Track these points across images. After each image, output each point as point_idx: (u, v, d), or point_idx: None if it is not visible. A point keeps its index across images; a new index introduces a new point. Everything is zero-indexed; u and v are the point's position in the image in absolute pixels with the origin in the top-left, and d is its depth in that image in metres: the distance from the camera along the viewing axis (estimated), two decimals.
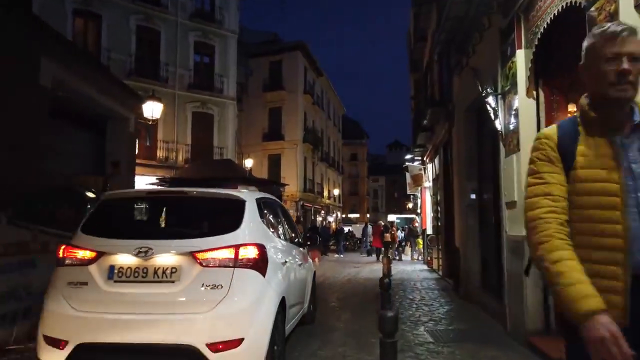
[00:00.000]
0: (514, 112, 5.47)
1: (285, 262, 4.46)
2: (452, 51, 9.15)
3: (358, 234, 38.93)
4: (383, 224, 23.64)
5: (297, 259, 5.19)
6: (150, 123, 13.57)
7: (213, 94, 24.88)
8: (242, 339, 3.33)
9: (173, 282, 3.40)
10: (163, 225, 4.31)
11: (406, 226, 34.22)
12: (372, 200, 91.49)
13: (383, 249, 20.40)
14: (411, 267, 17.05)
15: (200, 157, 23.20)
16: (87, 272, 3.50)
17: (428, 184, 16.28)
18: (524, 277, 5.10)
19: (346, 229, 43.80)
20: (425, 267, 16.38)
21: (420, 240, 20.29)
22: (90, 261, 3.54)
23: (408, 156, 17.59)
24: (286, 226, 5.55)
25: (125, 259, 3.48)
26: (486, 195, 7.98)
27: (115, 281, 3.45)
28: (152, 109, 12.98)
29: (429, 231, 17.79)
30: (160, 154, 22.85)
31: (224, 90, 25.42)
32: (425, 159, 15.85)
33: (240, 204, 3.91)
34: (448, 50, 9.15)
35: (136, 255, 3.45)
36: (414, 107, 19.28)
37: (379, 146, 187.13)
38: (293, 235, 5.81)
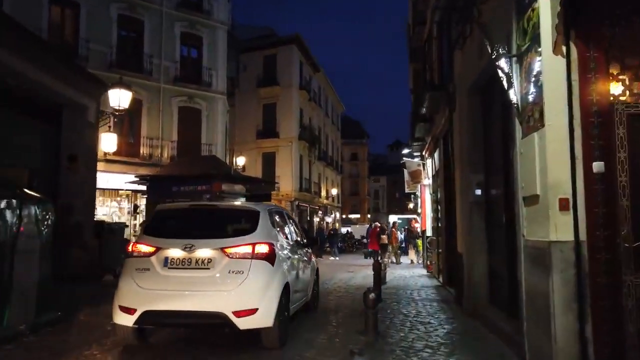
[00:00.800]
0: (534, 78, 4.11)
1: (290, 257, 5.89)
2: (452, 23, 7.79)
3: (358, 235, 37.68)
4: (379, 225, 22.38)
5: (300, 256, 6.55)
6: (117, 114, 12.19)
7: (201, 87, 23.55)
8: (257, 309, 4.78)
9: (209, 268, 4.88)
10: (201, 228, 5.45)
11: (406, 227, 32.79)
12: (373, 200, 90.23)
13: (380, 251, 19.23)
14: (409, 271, 15.68)
15: (187, 155, 21.86)
16: (149, 262, 4.99)
17: (427, 181, 14.91)
18: (551, 296, 3.74)
19: (344, 229, 42.64)
20: (424, 272, 15.01)
21: (420, 242, 18.94)
22: (151, 254, 5.02)
23: (405, 150, 16.20)
24: (292, 230, 6.86)
25: (175, 252, 4.98)
26: (495, 190, 6.62)
27: (169, 268, 4.94)
28: (119, 98, 11.60)
29: (429, 233, 16.43)
30: (143, 150, 21.52)
31: (212, 84, 24.08)
32: (424, 153, 14.49)
33: (256, 214, 5.45)
34: (449, 20, 7.80)
35: (183, 249, 4.96)
36: (413, 100, 17.91)
37: (380, 146, 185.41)
38: (298, 237, 7.03)
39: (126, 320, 4.92)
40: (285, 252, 5.77)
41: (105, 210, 21.55)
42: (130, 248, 5.41)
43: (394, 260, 20.10)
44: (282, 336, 5.18)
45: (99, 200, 21.14)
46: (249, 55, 33.15)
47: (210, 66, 24.01)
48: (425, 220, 16.92)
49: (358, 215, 77.30)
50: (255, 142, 32.65)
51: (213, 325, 5.09)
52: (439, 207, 11.91)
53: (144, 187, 18.16)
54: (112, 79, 21.16)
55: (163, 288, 4.88)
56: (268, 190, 18.53)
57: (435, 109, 10.59)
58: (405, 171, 16.90)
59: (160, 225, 5.57)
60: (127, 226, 14.00)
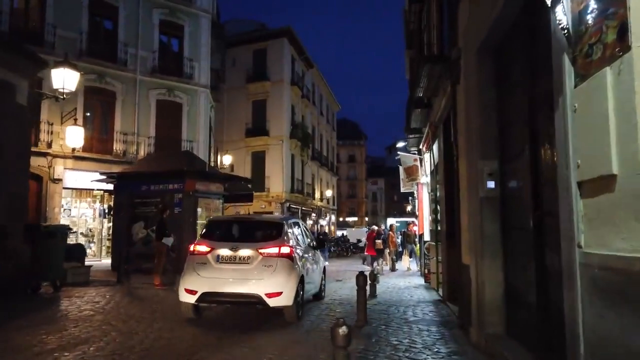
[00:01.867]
0: None
1: (303, 256, 7.96)
2: None
3: (354, 238, 35.90)
4: (377, 228, 20.71)
5: (310, 256, 8.63)
6: (63, 98, 10.44)
7: (181, 80, 21.84)
8: (282, 292, 6.72)
9: (248, 263, 6.89)
10: (242, 235, 7.64)
11: (402, 230, 30.93)
12: (371, 203, 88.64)
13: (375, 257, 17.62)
14: (405, 281, 13.91)
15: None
16: (206, 258, 7.03)
17: (425, 178, 13.18)
18: None
19: (339, 232, 40.89)
20: (421, 281, 13.25)
21: (418, 248, 17.21)
22: (207, 252, 7.06)
23: (400, 144, 14.50)
24: (305, 236, 9.01)
25: (224, 252, 7.00)
26: (515, 180, 4.89)
27: (220, 262, 6.97)
28: (64, 79, 9.85)
29: (427, 237, 14.68)
30: (117, 147, 19.78)
31: (194, 76, 22.37)
32: (421, 147, 12.76)
33: (280, 224, 7.67)
34: None
35: (230, 249, 7.00)
36: (409, 88, 16.18)
37: (378, 148, 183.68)
38: (309, 241, 9.22)
39: (190, 299, 6.91)
40: (301, 253, 7.81)
41: (74, 212, 19.80)
42: (191, 248, 7.33)
43: (389, 267, 18.34)
44: (298, 313, 7.20)
45: (66, 201, 19.44)
46: (238, 49, 31.54)
47: (192, 57, 22.31)
48: (423, 223, 15.17)
49: (355, 218, 75.64)
50: (244, 140, 30.93)
51: (251, 303, 6.98)
52: (438, 208, 10.17)
53: (113, 186, 16.42)
54: (82, 69, 19.55)
55: (216, 276, 6.84)
56: (249, 190, 16.81)
57: (434, 90, 8.86)
58: (401, 168, 15.15)
59: (213, 232, 7.69)
60: (70, 230, 12.22)
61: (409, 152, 14.23)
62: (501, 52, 5.24)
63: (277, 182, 29.98)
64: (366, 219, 77.40)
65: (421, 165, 13.16)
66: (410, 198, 48.80)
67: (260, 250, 6.91)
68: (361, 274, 7.17)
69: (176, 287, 10.10)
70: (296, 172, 32.65)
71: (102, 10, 20.06)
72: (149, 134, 20.76)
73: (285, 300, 6.77)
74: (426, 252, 12.13)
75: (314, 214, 37.47)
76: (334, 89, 50.51)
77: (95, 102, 19.78)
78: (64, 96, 10.23)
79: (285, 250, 7.02)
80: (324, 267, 10.10)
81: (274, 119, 30.66)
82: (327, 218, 43.30)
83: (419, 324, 6.97)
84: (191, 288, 6.88)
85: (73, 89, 10.09)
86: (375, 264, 16.77)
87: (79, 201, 19.89)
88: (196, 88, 22.41)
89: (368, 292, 9.85)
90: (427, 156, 12.41)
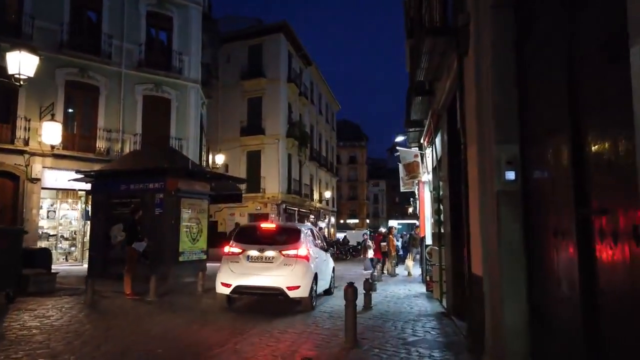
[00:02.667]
0: None
1: (317, 257, 9.36)
2: None
3: (354, 241, 34.73)
4: (384, 230, 19.82)
5: (323, 257, 10.20)
6: (19, 85, 9.32)
7: (170, 74, 20.74)
8: (300, 286, 8.18)
9: (272, 262, 8.34)
10: (268, 239, 8.96)
11: (405, 233, 29.78)
12: (372, 205, 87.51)
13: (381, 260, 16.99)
14: (405, 288, 12.76)
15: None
16: (239, 257, 8.54)
17: (427, 176, 12.02)
18: None
19: (340, 235, 39.65)
20: (423, 289, 12.09)
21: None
22: (240, 253, 8.57)
23: (400, 138, 13.35)
24: (318, 240, 10.68)
25: (253, 253, 8.46)
26: (544, 169, 3.75)
27: (250, 261, 8.44)
28: (20, 63, 8.74)
29: (428, 240, 13.52)
30: (100, 145, 18.67)
31: (184, 70, 21.27)
32: (422, 141, 11.61)
33: (298, 230, 9.25)
34: None
35: (258, 251, 8.44)
36: (409, 78, 15.01)
37: (379, 150, 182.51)
38: (322, 244, 11.05)
39: (225, 291, 8.52)
40: (314, 254, 9.24)
41: (56, 214, 18.69)
42: (225, 249, 8.92)
43: (389, 272, 17.18)
44: (313, 303, 8.72)
45: (48, 202, 18.33)
46: (232, 45, 30.47)
47: (181, 51, 21.21)
48: (424, 225, 14.00)
49: (356, 220, 74.46)
50: (239, 139, 29.82)
51: (275, 295, 8.43)
52: (442, 207, 9.03)
53: (90, 186, 15.31)
54: (63, 62, 18.57)
55: (247, 273, 8.38)
56: (238, 190, 15.67)
57: (436, 71, 7.72)
58: (400, 166, 13.99)
59: (244, 236, 9.14)
60: (26, 232, 11.08)
61: (409, 147, 13.08)
62: (523, 5, 4.10)
63: (273, 183, 28.86)
64: (367, 221, 76.19)
65: (422, 161, 12.00)
66: (411, 199, 47.64)
67: (282, 252, 8.49)
68: (350, 286, 6.01)
69: (149, 298, 9.03)
70: (293, 172, 31.52)
71: (85, 0, 19.00)
72: (135, 131, 19.65)
73: (302, 292, 8.34)
74: (428, 257, 10.97)
75: (312, 216, 36.30)
76: (335, 90, 49.44)
77: (77, 97, 18.70)
78: (21, 83, 9.10)
79: (302, 252, 8.61)
80: (333, 267, 11.70)
81: (270, 117, 29.55)
82: (327, 220, 42.13)
83: (420, 345, 5.81)
84: (226, 282, 8.48)
85: (31, 74, 8.96)
86: (378, 267, 15.71)
87: (60, 202, 18.80)
88: (186, 83, 21.31)
89: (362, 304, 8.74)
90: (428, 151, 11.25)
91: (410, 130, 11.96)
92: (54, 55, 17.69)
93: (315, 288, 8.84)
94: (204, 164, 23.18)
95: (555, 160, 3.44)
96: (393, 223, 72.10)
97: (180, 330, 6.72)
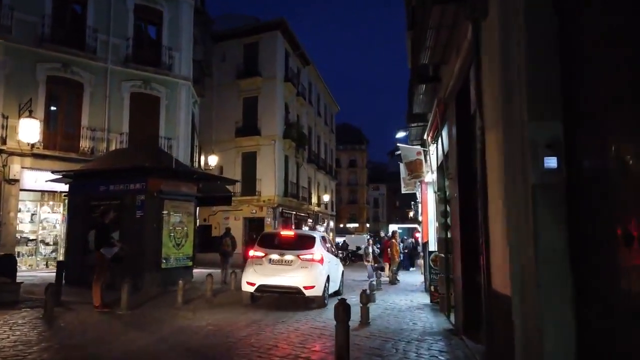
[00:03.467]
0: None
1: (329, 261, 10.58)
2: None
3: (354, 246, 33.65)
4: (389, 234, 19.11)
5: (334, 262, 11.49)
6: None
7: (159, 71, 19.74)
8: (314, 286, 9.44)
9: (291, 265, 9.55)
10: (287, 244, 10.24)
11: (406, 238, 28.65)
12: (373, 209, 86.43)
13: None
14: (407, 299, 11.70)
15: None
16: (262, 260, 9.74)
17: (430, 176, 10.99)
18: None
19: (339, 239, 38.49)
20: (427, 299, 11.03)
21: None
22: (263, 257, 9.76)
23: (401, 134, 12.27)
24: (330, 246, 12.12)
25: (275, 256, 9.68)
26: (597, 155, 2.68)
27: (271, 264, 9.65)
28: None
29: (432, 246, 12.47)
30: (84, 144, 17.64)
31: (174, 67, 20.28)
32: (426, 137, 10.57)
33: (313, 237, 10.54)
34: None
35: (278, 255, 9.70)
36: (411, 72, 13.99)
37: (380, 154, 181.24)
38: (334, 250, 12.98)
39: (250, 289, 9.75)
40: (327, 258, 10.49)
41: (34, 218, 17.66)
42: (250, 252, 10.36)
43: (390, 279, 16.14)
44: (325, 301, 9.95)
45: (24, 205, 17.29)
46: (228, 43, 29.54)
47: (171, 46, 20.23)
48: (427, 230, 12.96)
49: (356, 225, 73.35)
50: (234, 140, 28.80)
51: (293, 293, 9.65)
52: (448, 210, 7.99)
53: (68, 187, 14.30)
54: (44, 57, 17.57)
55: (269, 274, 9.61)
56: (228, 192, 14.63)
57: (444, 52, 6.70)
58: (402, 165, 12.96)
59: (266, 241, 10.55)
60: None
61: (411, 145, 12.05)
62: None
63: (269, 185, 27.81)
64: (367, 225, 75.09)
65: (426, 160, 10.97)
66: (412, 203, 46.51)
67: (300, 256, 9.75)
68: (341, 304, 4.96)
69: (120, 311, 7.99)
70: (290, 174, 30.48)
71: None
72: (122, 129, 18.62)
73: (316, 291, 9.60)
74: (432, 265, 9.91)
75: (310, 220, 35.22)
76: (335, 93, 48.36)
77: (60, 93, 17.70)
78: None
79: (317, 256, 9.88)
80: (342, 271, 12.80)
81: (266, 118, 28.54)
82: (325, 224, 41.03)
83: None
84: (251, 281, 9.64)
85: None
86: (378, 273, 14.71)
87: (41, 205, 17.79)
88: (176, 80, 20.31)
89: (359, 319, 7.70)
90: (432, 148, 10.22)
91: (413, 125, 10.94)
92: (34, 49, 16.74)
93: (327, 288, 10.24)
94: (196, 165, 22.18)
95: (625, 141, 2.40)
96: (393, 227, 71.02)
97: (141, 356, 5.67)
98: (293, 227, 29.30)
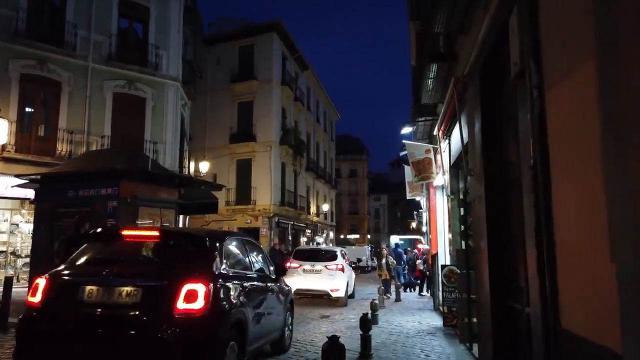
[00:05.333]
0: None
1: (348, 270, 13.79)
2: None
3: (354, 257, 32.13)
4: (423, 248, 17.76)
5: (350, 270, 14.40)
6: None
7: (145, 70, 18.44)
8: (338, 289, 12.47)
9: (320, 273, 12.69)
10: (316, 257, 13.42)
11: (409, 249, 26.92)
12: (374, 220, 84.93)
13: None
14: (414, 319, 10.20)
15: None
16: (297, 270, 12.67)
17: (441, 178, 9.55)
18: None
19: (337, 250, 36.79)
20: (438, 321, 9.54)
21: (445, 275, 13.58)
22: (298, 267, 12.83)
23: (407, 130, 10.85)
24: (347, 258, 15.14)
25: (307, 267, 12.87)
26: None
27: (304, 272, 12.76)
28: None
29: (442, 259, 11.01)
30: (61, 147, 16.26)
31: (162, 66, 18.98)
32: (436, 133, 9.14)
33: (336, 251, 14.14)
34: None
35: (310, 266, 12.87)
36: (415, 69, 12.60)
37: (381, 165, 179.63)
38: (350, 261, 17.20)
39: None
40: (346, 268, 13.47)
41: (4, 227, 16.21)
42: (287, 264, 10.90)
43: (389, 295, 14.63)
44: (346, 301, 12.70)
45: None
46: (222, 46, 28.40)
47: (159, 44, 18.94)
48: (436, 240, 11.49)
49: (357, 236, 71.81)
50: (228, 146, 27.45)
51: (321, 296, 12.52)
52: (467, 215, 6.54)
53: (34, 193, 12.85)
54: (18, 53, 16.27)
55: (302, 280, 12.27)
56: (214, 198, 13.20)
57: (466, 15, 5.30)
58: (407, 170, 11.51)
59: (299, 255, 13.57)
60: None
61: (418, 139, 10.63)
62: None
63: (264, 194, 26.38)
64: (368, 236, 73.52)
65: (435, 160, 9.55)
66: (415, 213, 44.83)
67: (327, 266, 12.76)
68: (333, 341, 3.50)
69: None
70: (287, 183, 29.07)
71: None
72: (103, 132, 17.26)
73: (340, 293, 12.47)
74: (445, 282, 8.44)
75: (308, 231, 33.72)
76: (336, 105, 47.16)
77: (35, 93, 16.38)
78: None
79: (339, 267, 12.86)
80: (354, 278, 15.28)
81: (261, 123, 27.21)
82: (325, 235, 39.50)
83: None
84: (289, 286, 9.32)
85: None
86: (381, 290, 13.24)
87: (13, 213, 16.34)
88: (164, 81, 19.00)
89: (358, 346, 6.22)
90: (444, 145, 8.80)
91: (420, 120, 9.54)
92: (7, 45, 15.45)
93: (347, 290, 13.02)
94: (185, 171, 20.78)
95: None
96: (395, 239, 69.42)
97: None
98: (290, 239, 27.83)
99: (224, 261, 4.76)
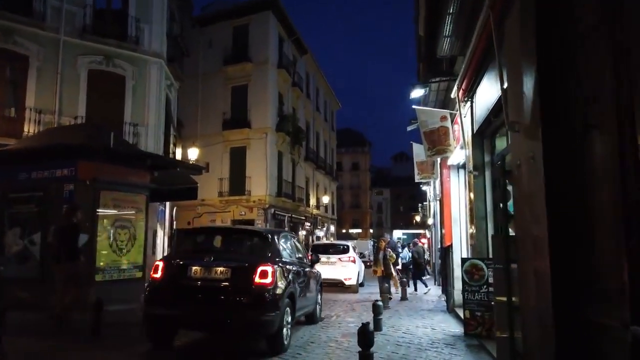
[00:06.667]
0: None
1: (359, 262, 16.30)
2: None
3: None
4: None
5: (360, 263, 16.92)
6: None
7: (124, 45, 16.70)
8: (351, 277, 14.76)
9: (335, 264, 14.71)
10: (331, 250, 15.64)
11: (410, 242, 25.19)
12: (376, 214, 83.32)
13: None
14: (424, 323, 8.52)
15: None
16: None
17: (459, 154, 7.82)
18: None
19: (349, 244, 34.82)
20: (453, 324, 7.86)
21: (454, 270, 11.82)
22: (319, 258, 10.12)
23: (417, 92, 8.88)
24: (357, 251, 18.43)
25: (323, 259, 13.15)
26: None
27: (321, 264, 10.80)
28: None
29: (459, 252, 9.34)
30: (29, 128, 14.56)
31: (143, 41, 17.24)
32: (455, 94, 7.36)
33: (348, 246, 16.33)
34: None
35: (326, 258, 14.23)
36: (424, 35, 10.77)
37: (384, 159, 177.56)
38: (359, 254, 20.39)
39: None
40: (357, 260, 15.65)
41: None
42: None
43: (393, 291, 12.93)
44: (358, 288, 14.96)
45: None
46: (215, 27, 26.67)
47: (140, 17, 17.17)
48: (450, 230, 9.77)
49: (359, 230, 70.20)
50: (221, 133, 25.74)
51: (336, 283, 14.18)
52: (506, 189, 4.81)
53: None
54: None
55: (320, 270, 9.34)
56: (193, 183, 11.50)
57: None
58: (415, 147, 9.75)
59: (318, 248, 15.64)
60: None
61: (430, 103, 8.87)
62: None
63: (260, 184, 24.69)
64: (370, 230, 71.84)
65: (452, 127, 7.81)
66: (420, 205, 43.05)
67: (340, 259, 14.90)
68: None
69: None
70: (285, 173, 27.36)
71: None
72: (77, 113, 15.56)
73: (352, 282, 14.68)
74: (467, 279, 6.73)
75: (307, 224, 32.03)
76: (338, 97, 45.31)
77: None
78: None
79: (351, 258, 15.07)
80: (364, 269, 17.30)
81: (256, 109, 25.47)
82: (325, 228, 37.80)
83: None
84: None
85: None
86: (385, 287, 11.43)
87: None
88: (145, 57, 17.26)
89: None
90: (466, 110, 7.07)
91: (434, 80, 7.77)
92: None
93: (358, 279, 15.12)
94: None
95: None
96: (397, 233, 67.76)
97: None
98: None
99: (281, 251, 6.63)
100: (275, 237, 6.70)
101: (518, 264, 4.30)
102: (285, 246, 7.07)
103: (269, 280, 5.59)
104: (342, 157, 68.39)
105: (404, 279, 13.64)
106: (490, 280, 6.52)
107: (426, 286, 15.12)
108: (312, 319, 8.12)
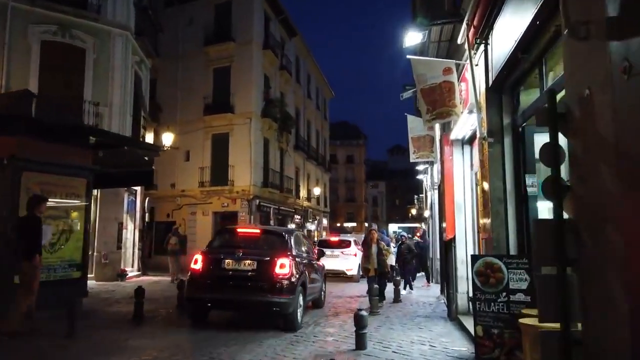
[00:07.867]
0: None
1: (359, 255, 15.18)
2: None
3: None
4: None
5: (360, 255, 14.22)
6: None
7: (84, 13, 14.80)
8: (352, 269, 16.78)
9: (338, 257, 16.73)
10: (335, 245, 17.52)
11: (405, 235, 23.32)
12: (371, 207, 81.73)
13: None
14: (421, 336, 6.81)
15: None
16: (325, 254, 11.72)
17: (469, 121, 6.06)
18: None
19: (351, 239, 32.96)
20: (461, 345, 6.12)
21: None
22: (324, 252, 10.94)
23: (412, 39, 6.84)
24: (359, 244, 15.83)
25: (329, 252, 15.13)
26: None
27: (328, 257, 13.30)
28: None
29: (464, 247, 7.62)
30: None
31: (105, 11, 15.34)
32: (462, 39, 5.54)
33: (350, 240, 18.36)
34: None
35: (330, 252, 15.52)
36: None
37: (380, 152, 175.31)
38: (360, 247, 14.84)
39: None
40: (358, 253, 15.71)
41: None
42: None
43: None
44: (359, 278, 15.78)
45: None
46: (195, 4, 24.65)
47: None
48: (453, 220, 8.00)
49: (354, 224, 68.57)
50: (202, 119, 23.80)
51: (340, 274, 16.40)
52: (558, 146, 2.99)
53: None
54: None
55: (331, 262, 14.87)
56: (147, 166, 9.69)
57: None
58: (410, 119, 7.96)
59: (323, 243, 18.10)
60: None
61: (430, 53, 7.07)
62: None
63: (244, 173, 22.83)
64: (365, 224, 70.26)
65: (459, 84, 6.03)
66: (415, 197, 41.38)
67: (343, 252, 16.83)
68: None
69: None
70: (272, 162, 25.50)
71: None
72: (27, 88, 13.64)
73: (353, 272, 16.48)
74: (479, 284, 4.97)
75: (297, 216, 30.22)
76: (333, 91, 43.39)
77: None
78: None
79: (352, 252, 16.84)
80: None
81: (240, 92, 23.54)
82: (317, 222, 36.02)
83: None
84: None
85: None
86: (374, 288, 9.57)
87: None
88: (108, 29, 15.37)
89: None
90: (478, 56, 5.29)
91: (438, 22, 5.96)
92: None
93: (359, 270, 15.67)
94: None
95: None
96: (393, 227, 65.77)
97: None
98: (274, 223, 24.34)
99: (295, 247, 8.14)
100: (291, 236, 8.25)
101: (581, 267, 2.55)
102: (298, 243, 8.53)
103: (286, 270, 7.15)
104: (336, 149, 66.73)
105: (397, 278, 11.89)
106: (512, 285, 4.79)
107: (411, 288, 13.34)
108: (318, 303, 9.64)
